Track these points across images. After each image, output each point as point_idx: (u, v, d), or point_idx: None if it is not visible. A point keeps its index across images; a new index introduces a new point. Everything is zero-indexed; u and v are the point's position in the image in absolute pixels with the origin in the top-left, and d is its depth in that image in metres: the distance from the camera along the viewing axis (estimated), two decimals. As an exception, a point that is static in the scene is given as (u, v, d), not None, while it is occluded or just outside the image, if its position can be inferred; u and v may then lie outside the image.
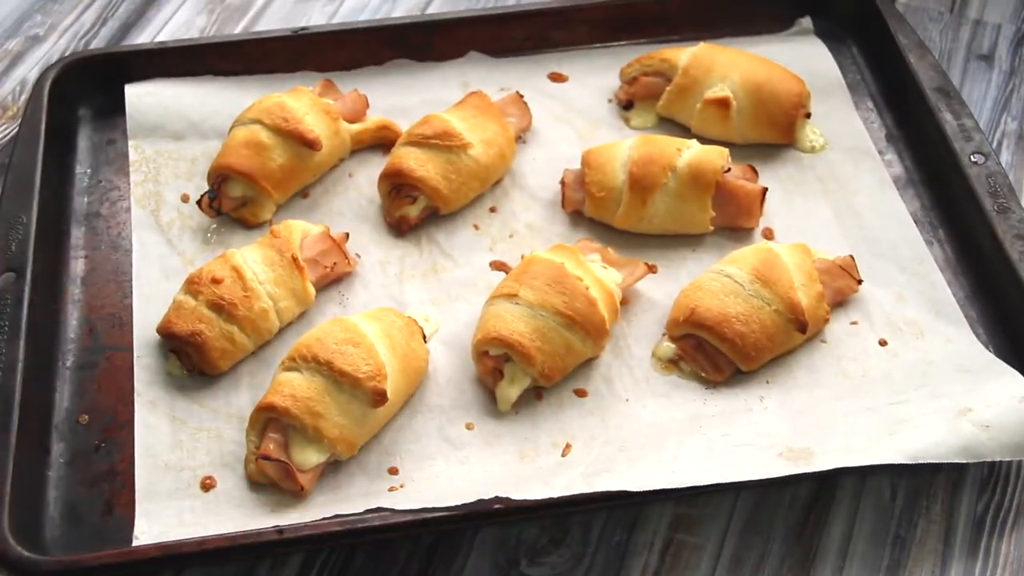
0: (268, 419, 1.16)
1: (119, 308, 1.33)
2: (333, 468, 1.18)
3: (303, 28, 1.58)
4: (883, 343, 1.29)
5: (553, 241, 1.39)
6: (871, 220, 1.42)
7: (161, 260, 1.37)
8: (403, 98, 1.56)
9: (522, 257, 1.34)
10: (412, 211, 1.40)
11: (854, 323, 1.31)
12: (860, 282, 1.32)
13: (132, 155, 1.48)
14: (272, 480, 1.15)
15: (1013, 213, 1.34)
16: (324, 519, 1.10)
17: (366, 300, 1.35)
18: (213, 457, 1.19)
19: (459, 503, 1.09)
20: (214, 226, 1.42)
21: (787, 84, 1.48)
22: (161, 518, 1.13)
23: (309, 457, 1.14)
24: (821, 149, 1.51)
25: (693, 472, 1.11)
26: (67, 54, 1.64)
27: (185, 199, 1.44)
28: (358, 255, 1.39)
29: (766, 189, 1.39)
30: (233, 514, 1.14)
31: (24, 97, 1.62)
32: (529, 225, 1.43)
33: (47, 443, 1.20)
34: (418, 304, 1.34)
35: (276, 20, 1.77)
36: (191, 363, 1.25)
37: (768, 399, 1.24)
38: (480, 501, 1.09)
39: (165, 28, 1.75)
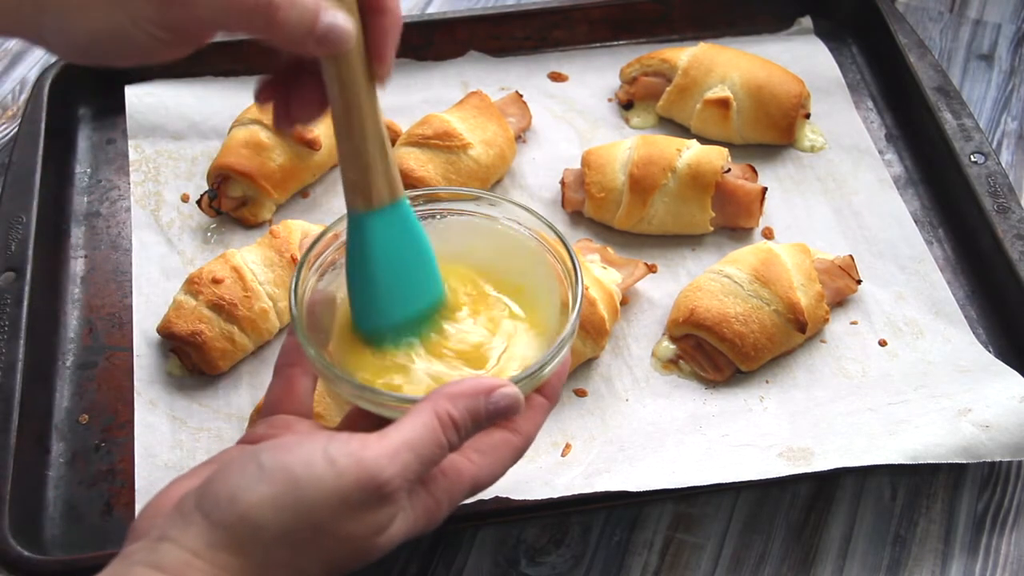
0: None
1: (119, 308, 1.33)
2: (333, 468, 1.18)
3: (303, 28, 1.58)
4: (883, 343, 1.29)
5: (553, 241, 1.39)
6: (871, 220, 1.42)
7: (161, 260, 1.37)
8: (403, 98, 1.56)
9: (522, 257, 1.34)
10: (412, 211, 1.40)
11: (854, 323, 1.31)
12: (859, 282, 1.32)
13: (132, 155, 1.48)
14: (272, 480, 1.15)
15: (1013, 213, 1.34)
16: (324, 519, 1.10)
17: (366, 300, 1.34)
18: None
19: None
20: (214, 226, 1.42)
21: (787, 85, 1.48)
22: (161, 518, 1.13)
23: (309, 457, 1.14)
24: (820, 149, 1.51)
25: (693, 472, 1.11)
26: (67, 54, 1.64)
27: (185, 199, 1.44)
28: (358, 255, 1.39)
29: (766, 189, 1.39)
30: (233, 514, 1.14)
31: (24, 97, 1.61)
32: (529, 225, 1.43)
33: (47, 443, 1.20)
34: (418, 304, 1.34)
35: (276, 20, 1.76)
36: (191, 363, 1.25)
37: (768, 399, 1.24)
38: (480, 501, 1.09)
39: (165, 28, 1.75)
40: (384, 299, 0.93)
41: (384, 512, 0.79)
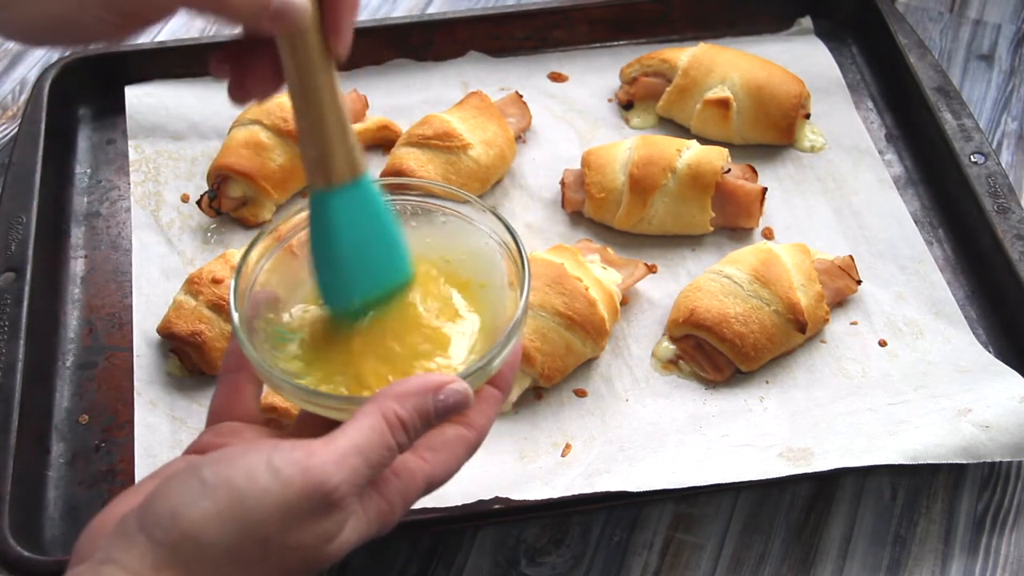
0: (267, 419, 1.16)
1: (119, 308, 1.33)
2: (333, 468, 1.18)
3: (303, 28, 1.58)
4: (883, 343, 1.29)
5: (553, 241, 1.39)
6: (871, 220, 1.42)
7: (161, 260, 1.37)
8: (403, 98, 1.56)
9: (522, 257, 1.34)
10: (412, 211, 1.40)
11: (854, 323, 1.31)
12: (859, 282, 1.32)
13: (132, 155, 1.49)
14: (272, 480, 1.15)
15: (1013, 213, 1.34)
16: (324, 519, 1.10)
17: (366, 300, 1.34)
18: (213, 457, 1.19)
19: (459, 503, 1.09)
20: (214, 226, 1.42)
21: (787, 86, 1.48)
22: (161, 518, 1.13)
23: (309, 457, 1.14)
24: (820, 149, 1.51)
25: (693, 472, 1.11)
26: (67, 54, 1.64)
27: (185, 199, 1.45)
28: (358, 255, 1.39)
29: (766, 189, 1.39)
30: (233, 514, 1.14)
31: (24, 97, 1.61)
32: (529, 225, 1.43)
33: (47, 443, 1.20)
34: (418, 304, 1.34)
35: (276, 20, 1.76)
36: (191, 363, 1.25)
37: (768, 399, 1.24)
38: (480, 501, 1.09)
39: (165, 28, 1.75)
40: (348, 278, 0.91)
41: (333, 520, 0.76)
